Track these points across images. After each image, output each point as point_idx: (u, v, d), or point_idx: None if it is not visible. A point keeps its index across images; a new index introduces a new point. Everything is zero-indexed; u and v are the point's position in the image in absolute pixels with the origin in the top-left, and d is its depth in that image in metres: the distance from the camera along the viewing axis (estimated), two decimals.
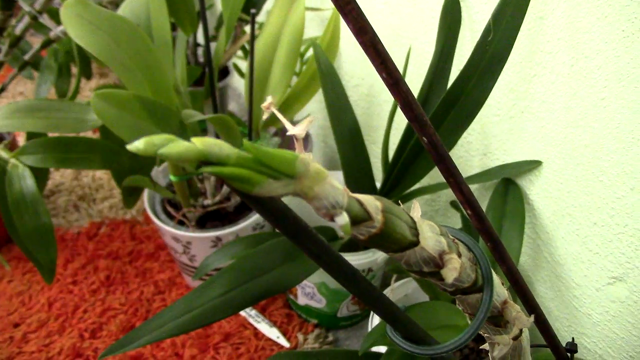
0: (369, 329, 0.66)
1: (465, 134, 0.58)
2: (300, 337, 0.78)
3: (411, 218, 0.19)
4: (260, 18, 0.99)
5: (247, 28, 0.95)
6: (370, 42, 0.20)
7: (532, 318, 0.20)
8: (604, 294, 0.53)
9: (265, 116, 0.17)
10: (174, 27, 1.04)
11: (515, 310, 0.20)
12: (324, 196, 0.15)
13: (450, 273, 0.17)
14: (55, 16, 1.00)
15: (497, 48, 0.48)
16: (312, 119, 0.16)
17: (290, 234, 0.15)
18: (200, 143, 0.13)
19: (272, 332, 0.78)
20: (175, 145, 0.12)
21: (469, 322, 0.21)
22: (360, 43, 0.20)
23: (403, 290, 0.68)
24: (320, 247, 0.16)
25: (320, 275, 0.71)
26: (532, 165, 0.56)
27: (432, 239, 0.18)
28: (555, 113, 0.51)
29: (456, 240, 0.20)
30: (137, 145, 0.12)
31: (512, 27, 0.47)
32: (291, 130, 0.16)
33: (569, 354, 0.27)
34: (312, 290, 0.75)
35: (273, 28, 0.74)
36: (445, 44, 0.56)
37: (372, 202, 0.17)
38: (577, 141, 0.50)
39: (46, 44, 0.81)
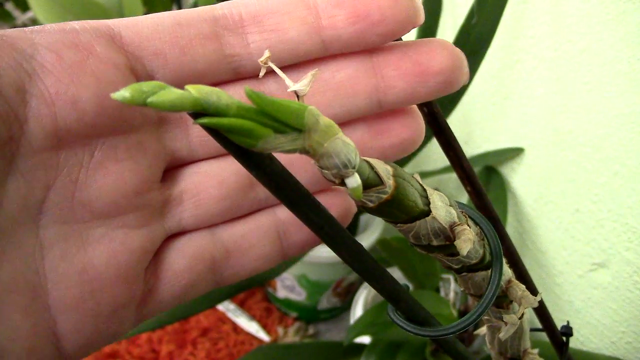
0: (351, 321, 0.65)
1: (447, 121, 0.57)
2: (280, 330, 0.77)
3: (421, 185, 0.17)
4: None
5: None
6: None
7: (539, 297, 0.19)
8: (586, 281, 0.53)
9: (262, 73, 0.16)
10: None
11: (521, 289, 0.19)
12: (335, 153, 0.14)
13: (465, 244, 0.16)
14: (21, 4, 0.97)
15: (480, 32, 0.47)
16: (315, 72, 0.15)
17: (291, 201, 0.14)
18: (195, 91, 0.11)
19: (251, 326, 0.77)
20: (167, 93, 0.11)
21: (471, 302, 0.20)
22: None
23: None
24: (323, 217, 0.15)
25: (300, 267, 0.70)
26: (514, 153, 0.56)
27: (442, 209, 0.17)
28: (538, 99, 0.51)
29: (464, 214, 0.18)
30: (123, 94, 0.11)
31: (496, 10, 0.46)
32: (292, 86, 0.15)
33: (564, 338, 0.26)
34: (292, 283, 0.73)
35: None
36: (427, 29, 0.55)
37: (382, 166, 0.16)
38: (560, 127, 0.50)
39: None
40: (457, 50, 0.20)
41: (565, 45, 0.46)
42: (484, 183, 0.59)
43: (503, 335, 0.19)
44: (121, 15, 0.62)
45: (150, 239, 0.19)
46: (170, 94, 0.11)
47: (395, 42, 0.20)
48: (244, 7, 0.19)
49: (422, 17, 0.19)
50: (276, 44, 0.19)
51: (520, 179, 0.57)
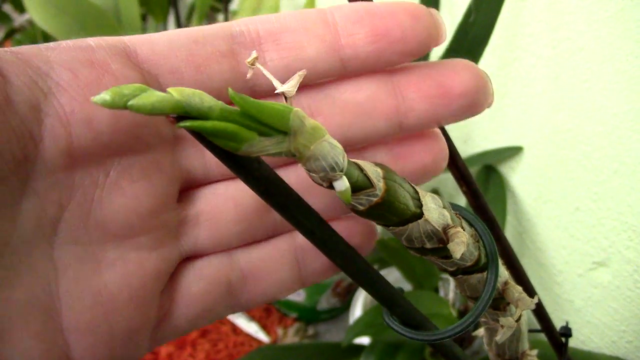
0: (350, 322, 0.65)
1: None
2: (280, 331, 0.77)
3: (413, 187, 0.17)
4: (233, 6, 0.97)
5: (220, 16, 0.93)
6: None
7: (536, 299, 0.19)
8: (586, 280, 0.53)
9: (249, 74, 0.16)
10: (143, 18, 1.01)
11: (518, 291, 0.19)
12: (321, 156, 0.13)
13: (458, 247, 0.15)
14: (18, 6, 0.97)
15: (478, 30, 0.47)
16: (303, 73, 0.15)
17: (280, 205, 0.14)
18: (177, 93, 0.11)
19: (250, 327, 0.77)
20: (149, 96, 0.11)
21: (470, 304, 0.20)
22: None
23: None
24: (314, 221, 0.14)
25: None
26: (513, 152, 0.56)
27: (435, 211, 0.17)
28: (537, 97, 0.51)
29: (458, 215, 0.18)
30: (103, 97, 0.11)
31: (493, 7, 0.46)
32: (280, 87, 0.14)
33: (563, 339, 0.26)
34: None
35: (246, 15, 0.72)
36: None
37: (371, 168, 0.16)
38: (559, 125, 0.49)
39: (10, 33, 0.78)
40: (482, 71, 0.19)
41: (564, 43, 0.46)
42: (483, 182, 0.59)
43: (500, 338, 0.19)
44: (118, 15, 0.61)
45: (165, 261, 0.19)
46: (151, 96, 0.11)
47: (417, 62, 0.20)
48: (261, 24, 0.19)
49: (444, 36, 0.19)
50: (293, 62, 0.18)
51: (519, 177, 0.57)
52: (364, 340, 0.52)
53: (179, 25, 0.68)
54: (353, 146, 0.20)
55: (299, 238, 0.21)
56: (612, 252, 0.49)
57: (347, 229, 0.21)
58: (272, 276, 0.20)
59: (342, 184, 0.14)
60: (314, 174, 0.14)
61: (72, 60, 0.16)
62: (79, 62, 0.16)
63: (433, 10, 0.19)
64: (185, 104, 0.11)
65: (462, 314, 0.56)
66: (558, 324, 0.60)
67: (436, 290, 0.57)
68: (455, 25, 0.48)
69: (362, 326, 0.49)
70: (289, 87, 0.14)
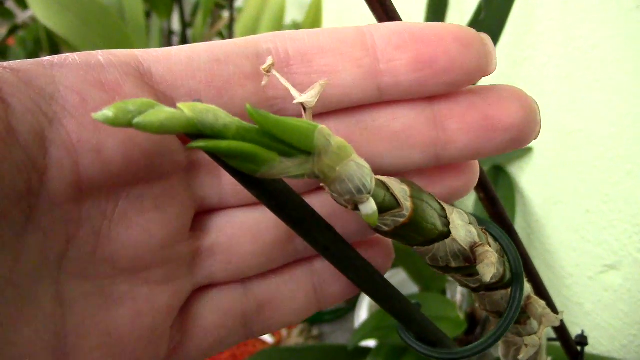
0: (355, 323, 0.64)
1: None
2: (284, 332, 0.76)
3: (440, 204, 0.16)
4: (238, 3, 0.97)
5: (225, 13, 0.92)
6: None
7: (561, 315, 0.18)
8: (596, 283, 0.52)
9: (264, 81, 0.14)
10: (147, 15, 1.00)
11: (541, 306, 0.18)
12: (348, 178, 0.12)
13: (488, 269, 0.14)
14: (21, 3, 0.96)
15: (488, 28, 0.46)
16: (325, 82, 0.14)
17: (295, 221, 0.13)
18: (189, 109, 0.10)
19: None
20: (157, 112, 0.10)
21: (492, 318, 0.19)
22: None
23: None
24: (329, 237, 0.13)
25: None
26: (523, 152, 0.55)
27: (463, 228, 0.16)
28: (548, 96, 0.50)
29: (484, 231, 0.17)
30: (105, 113, 0.10)
31: (504, 5, 0.45)
32: (298, 97, 0.13)
33: (579, 347, 0.25)
34: None
35: (252, 12, 0.71)
36: None
37: (398, 186, 0.15)
38: (570, 126, 0.48)
39: (13, 30, 0.77)
40: (532, 100, 0.18)
41: (576, 42, 0.45)
42: (492, 183, 0.58)
43: (523, 357, 0.18)
44: (121, 12, 0.60)
45: (177, 295, 0.17)
46: (160, 113, 0.10)
47: None
48: (292, 43, 0.17)
49: (494, 66, 0.17)
50: (326, 88, 0.17)
51: (528, 178, 0.56)
52: (370, 343, 0.52)
53: (183, 22, 0.67)
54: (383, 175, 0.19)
55: (317, 263, 0.19)
56: (623, 255, 0.48)
57: (367, 254, 0.19)
58: (289, 305, 0.19)
59: (370, 207, 0.13)
60: (338, 197, 0.13)
61: (80, 82, 0.15)
62: (87, 84, 0.15)
63: (484, 35, 0.17)
64: (197, 122, 0.10)
65: (468, 316, 0.55)
66: (568, 327, 0.59)
67: (443, 292, 0.56)
68: (465, 24, 0.47)
69: (369, 329, 0.48)
70: (309, 97, 0.13)
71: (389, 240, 0.20)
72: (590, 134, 0.47)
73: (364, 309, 0.64)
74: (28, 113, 0.14)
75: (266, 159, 0.11)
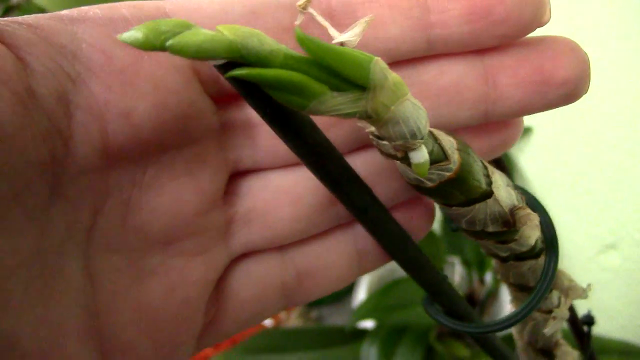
0: (353, 304, 0.64)
1: None
2: (283, 314, 0.76)
3: (481, 162, 0.15)
4: None
5: None
6: None
7: (589, 289, 0.17)
8: (595, 263, 0.52)
9: (298, 20, 0.13)
10: None
11: (568, 279, 0.17)
12: (402, 119, 0.11)
13: (533, 232, 0.13)
14: None
15: None
16: (370, 18, 0.12)
17: (332, 179, 0.12)
18: (230, 32, 0.09)
19: None
20: (194, 34, 0.08)
21: (514, 291, 0.19)
22: None
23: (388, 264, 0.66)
24: (367, 198, 0.12)
25: None
26: (523, 133, 0.54)
27: (504, 190, 0.15)
28: None
29: (521, 195, 0.16)
30: (134, 34, 0.08)
31: None
32: (338, 37, 0.12)
33: (585, 327, 0.25)
34: None
35: None
36: None
37: (445, 137, 0.13)
38: (570, 105, 0.48)
39: (7, 10, 0.76)
40: (584, 53, 0.16)
41: (576, 19, 0.44)
42: (490, 163, 0.58)
43: (549, 330, 0.18)
44: None
45: (212, 267, 0.16)
46: (198, 34, 0.09)
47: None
48: None
49: (549, 15, 0.16)
50: (372, 40, 0.15)
51: (528, 159, 0.55)
52: (368, 324, 0.52)
53: None
54: None
55: (358, 227, 0.18)
56: (622, 235, 0.48)
57: (404, 211, 0.18)
58: (331, 272, 0.18)
59: (421, 154, 0.12)
60: (385, 142, 0.12)
61: (104, 38, 0.13)
62: (112, 40, 0.13)
63: None
64: (240, 46, 0.09)
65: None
66: None
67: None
68: None
69: (367, 310, 0.48)
70: (351, 36, 0.12)
71: (430, 200, 0.19)
72: (590, 113, 0.46)
73: (362, 291, 0.64)
74: (49, 74, 0.13)
75: (317, 92, 0.10)
